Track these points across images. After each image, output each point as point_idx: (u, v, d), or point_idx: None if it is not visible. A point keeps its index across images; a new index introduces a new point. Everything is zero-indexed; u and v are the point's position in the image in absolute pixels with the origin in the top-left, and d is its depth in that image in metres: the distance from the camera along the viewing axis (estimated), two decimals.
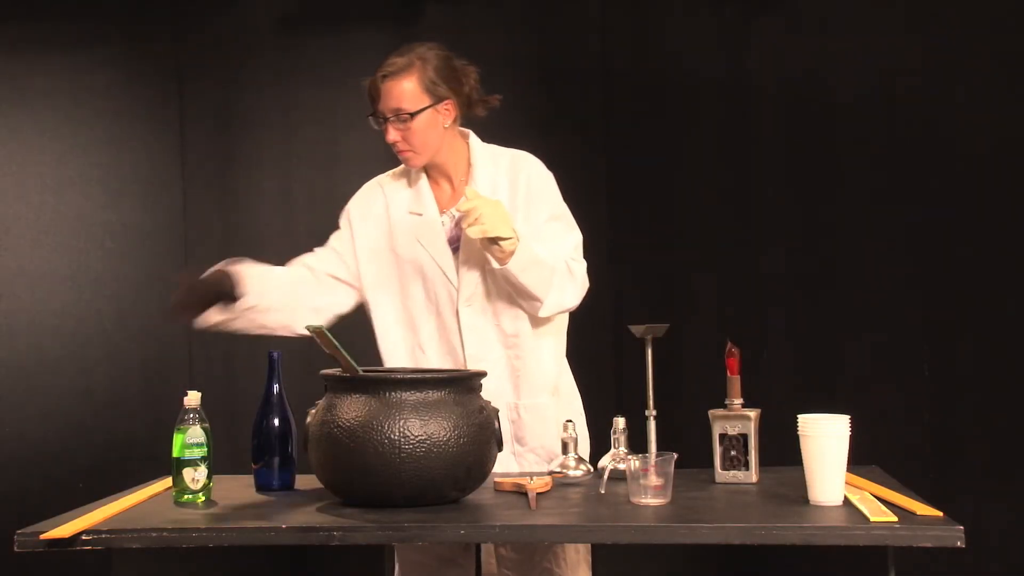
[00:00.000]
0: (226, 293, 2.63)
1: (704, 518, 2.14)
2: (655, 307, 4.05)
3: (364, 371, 2.39)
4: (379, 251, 2.86)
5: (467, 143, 2.88)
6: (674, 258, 4.23)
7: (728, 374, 2.51)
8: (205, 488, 2.43)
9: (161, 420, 4.31)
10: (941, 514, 2.09)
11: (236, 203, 4.39)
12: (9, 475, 4.22)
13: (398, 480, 2.21)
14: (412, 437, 2.21)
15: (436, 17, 4.32)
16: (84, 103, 4.36)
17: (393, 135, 2.75)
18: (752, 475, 2.48)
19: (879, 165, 4.15)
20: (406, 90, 2.73)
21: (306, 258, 2.91)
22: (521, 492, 2.40)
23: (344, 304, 2.88)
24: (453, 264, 2.80)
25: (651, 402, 2.50)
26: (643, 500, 2.25)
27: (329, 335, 2.31)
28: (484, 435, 2.30)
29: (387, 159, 2.97)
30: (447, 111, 2.78)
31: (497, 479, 2.47)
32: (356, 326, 2.88)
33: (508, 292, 2.76)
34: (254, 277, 2.70)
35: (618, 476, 2.43)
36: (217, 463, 2.49)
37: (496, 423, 2.34)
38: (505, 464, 2.64)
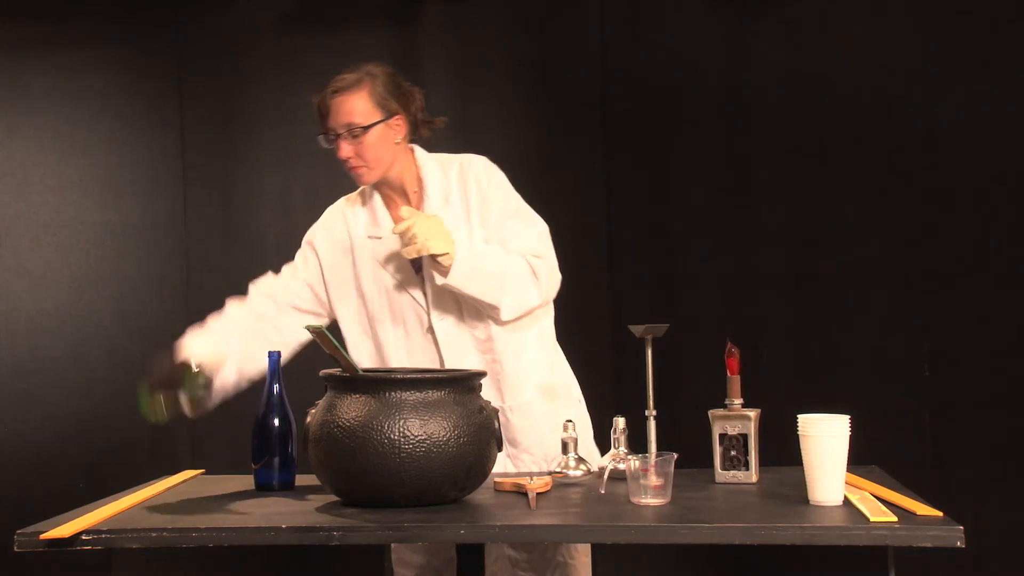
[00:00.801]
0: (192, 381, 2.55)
1: (704, 518, 2.14)
2: (655, 307, 4.05)
3: (364, 371, 2.39)
4: (345, 277, 2.86)
5: (414, 157, 2.87)
6: (674, 258, 4.23)
7: (728, 374, 2.51)
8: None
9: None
10: (941, 514, 2.09)
11: (236, 203, 4.40)
12: (9, 475, 4.22)
13: (398, 480, 2.21)
14: (412, 437, 2.21)
15: (436, 17, 4.32)
16: (84, 103, 4.36)
17: (346, 151, 2.75)
18: (752, 475, 2.48)
19: (879, 165, 4.15)
20: (357, 105, 2.74)
21: (263, 287, 2.89)
22: (521, 492, 2.40)
23: (302, 336, 2.83)
24: (418, 282, 2.80)
25: (651, 402, 2.50)
26: (643, 500, 2.25)
27: (329, 335, 2.31)
28: (484, 435, 2.30)
29: None
30: (398, 126, 2.79)
31: (497, 479, 2.47)
32: None
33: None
34: (211, 350, 2.64)
35: (618, 476, 2.43)
36: (217, 463, 2.49)
37: (496, 423, 2.34)
38: (501, 466, 2.64)
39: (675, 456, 2.29)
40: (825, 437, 2.21)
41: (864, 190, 4.15)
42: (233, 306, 2.86)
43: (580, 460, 2.57)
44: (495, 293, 2.72)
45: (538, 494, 2.36)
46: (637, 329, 2.50)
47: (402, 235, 2.65)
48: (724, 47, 4.25)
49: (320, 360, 2.43)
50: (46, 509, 2.32)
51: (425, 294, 2.79)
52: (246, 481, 2.61)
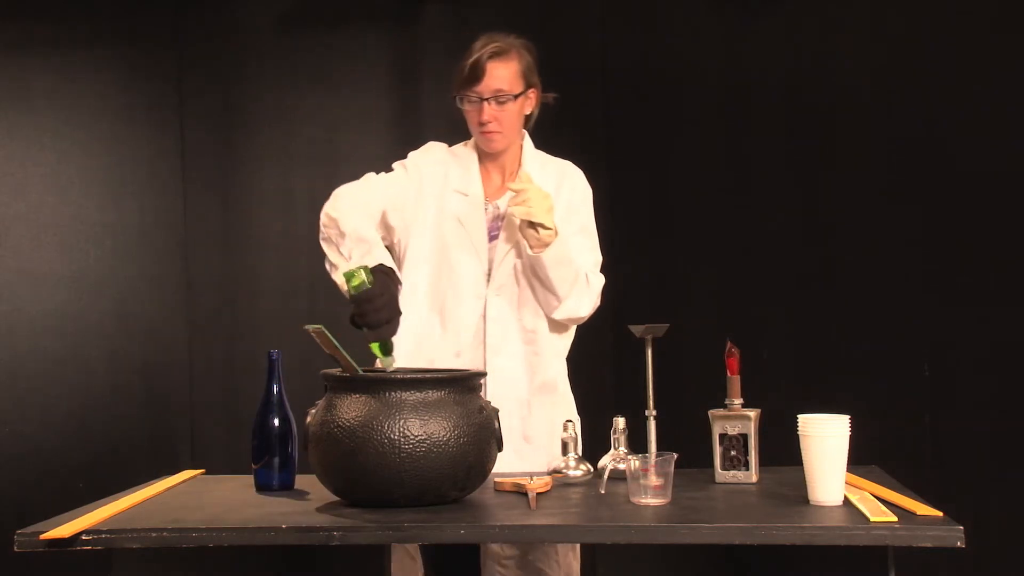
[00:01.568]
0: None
1: (704, 518, 2.14)
2: (655, 307, 4.05)
3: (364, 371, 2.39)
4: (426, 210, 2.85)
5: (521, 143, 2.91)
6: (674, 258, 4.23)
7: (728, 374, 2.51)
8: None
9: (161, 420, 4.36)
10: (941, 514, 2.09)
11: (236, 203, 4.40)
12: (9, 475, 4.22)
13: (398, 480, 2.21)
14: (412, 437, 2.21)
15: (436, 17, 4.32)
16: (84, 103, 4.37)
17: (489, 114, 2.78)
18: (752, 475, 2.48)
19: (879, 165, 4.15)
20: (508, 72, 2.79)
21: (360, 194, 2.83)
22: (521, 492, 2.40)
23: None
24: (487, 251, 2.82)
25: (651, 402, 2.50)
26: (643, 500, 2.25)
27: (329, 335, 2.31)
28: (484, 435, 2.30)
29: (387, 159, 2.97)
30: (531, 100, 2.85)
31: (497, 479, 2.47)
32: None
33: (532, 287, 2.79)
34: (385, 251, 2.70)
35: (618, 476, 2.43)
36: (217, 463, 2.49)
37: (496, 423, 2.34)
38: (508, 463, 2.62)
39: (675, 456, 2.29)
40: (825, 437, 2.21)
41: (864, 190, 4.15)
42: (352, 214, 2.78)
43: (580, 460, 2.57)
44: (568, 286, 2.77)
45: (538, 494, 2.36)
46: (637, 329, 2.50)
47: (519, 193, 2.68)
48: (724, 47, 4.25)
49: (320, 360, 2.42)
50: (46, 509, 2.31)
51: (491, 264, 2.81)
52: (246, 481, 2.61)
